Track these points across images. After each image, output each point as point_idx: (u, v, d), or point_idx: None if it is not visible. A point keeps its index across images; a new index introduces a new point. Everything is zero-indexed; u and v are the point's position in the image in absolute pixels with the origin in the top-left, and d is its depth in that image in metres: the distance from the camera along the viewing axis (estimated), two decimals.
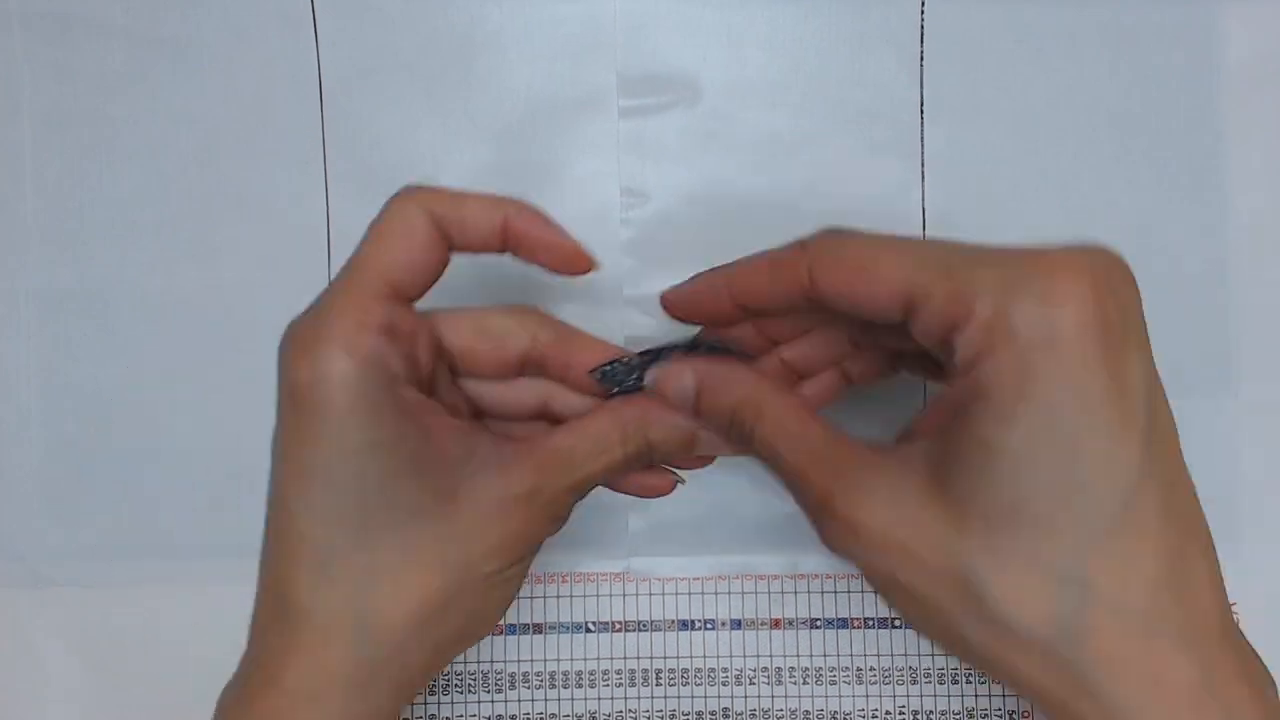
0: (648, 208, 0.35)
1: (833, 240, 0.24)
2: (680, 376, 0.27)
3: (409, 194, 0.25)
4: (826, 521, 0.24)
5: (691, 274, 0.27)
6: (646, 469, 0.29)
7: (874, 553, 0.23)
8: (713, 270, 0.27)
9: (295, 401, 0.23)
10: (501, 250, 0.26)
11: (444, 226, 0.25)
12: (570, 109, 0.35)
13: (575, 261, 0.26)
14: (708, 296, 0.27)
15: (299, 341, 0.24)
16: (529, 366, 0.28)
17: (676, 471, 0.29)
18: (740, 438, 0.26)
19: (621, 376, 0.28)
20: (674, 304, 0.28)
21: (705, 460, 0.29)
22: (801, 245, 0.25)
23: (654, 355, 0.28)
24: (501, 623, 0.35)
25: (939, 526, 0.22)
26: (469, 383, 0.28)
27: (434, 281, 0.26)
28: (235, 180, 0.35)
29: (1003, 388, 0.21)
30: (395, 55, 0.35)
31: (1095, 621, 0.21)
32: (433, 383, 0.27)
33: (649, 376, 0.28)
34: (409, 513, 0.24)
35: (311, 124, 0.35)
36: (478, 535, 0.25)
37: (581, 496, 0.27)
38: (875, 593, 0.23)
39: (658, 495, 0.29)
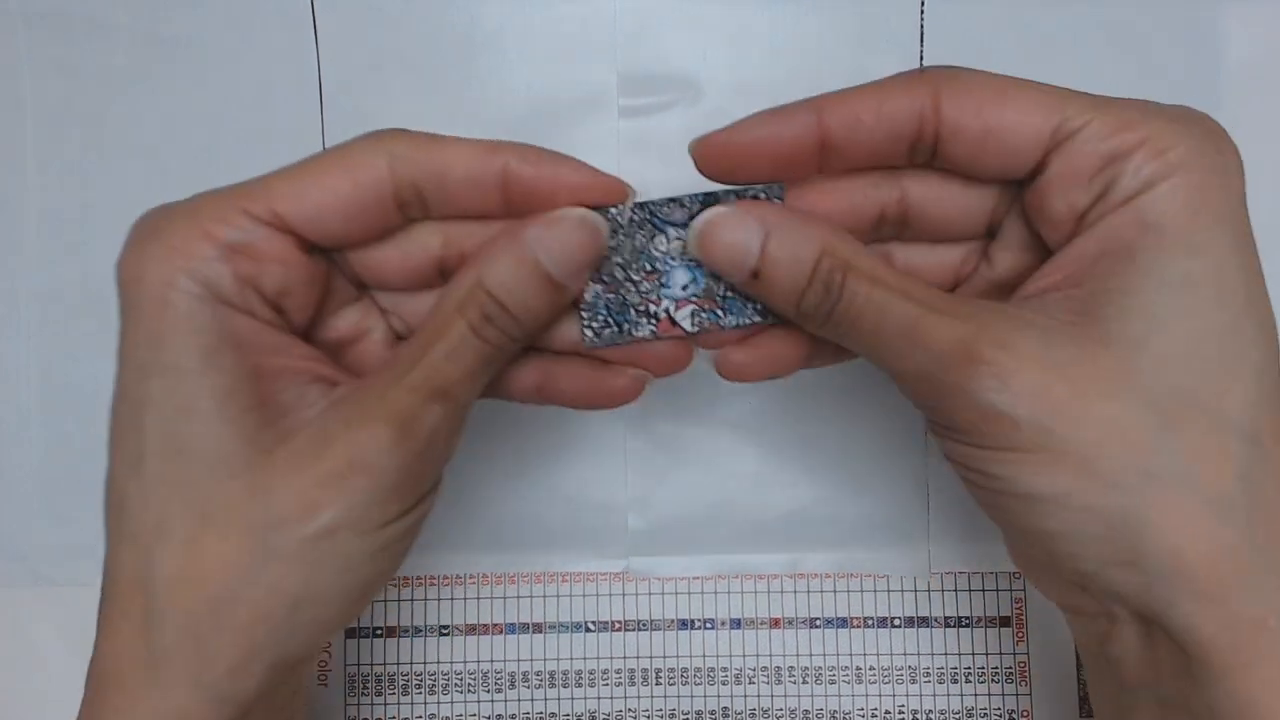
0: None
1: (958, 70, 0.22)
2: (737, 223, 0.22)
3: (380, 137, 0.22)
4: (968, 374, 0.20)
5: None
6: (580, 366, 0.25)
7: (1029, 405, 0.20)
8: (783, 107, 0.22)
9: (119, 296, 0.21)
10: (504, 214, 0.23)
11: (412, 185, 0.22)
12: (571, 108, 0.35)
13: (615, 193, 0.23)
14: (785, 137, 0.22)
15: (139, 231, 0.21)
16: (447, 273, 0.24)
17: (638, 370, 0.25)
18: (818, 306, 0.22)
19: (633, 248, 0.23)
20: (722, 152, 0.23)
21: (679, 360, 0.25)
22: (919, 72, 0.22)
23: (657, 211, 0.23)
24: (501, 622, 0.35)
25: (1106, 372, 0.20)
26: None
27: (367, 240, 0.23)
28: (237, 179, 0.35)
29: (1179, 216, 0.20)
30: (396, 55, 0.35)
31: (1269, 484, 0.20)
32: (309, 313, 0.24)
33: (692, 228, 0.22)
34: (206, 463, 0.20)
35: (312, 124, 0.35)
36: (291, 490, 0.20)
37: (454, 415, 0.22)
38: (1003, 463, 0.20)
39: (620, 401, 0.25)
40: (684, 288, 0.24)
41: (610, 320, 0.23)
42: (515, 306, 0.22)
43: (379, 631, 0.35)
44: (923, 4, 0.35)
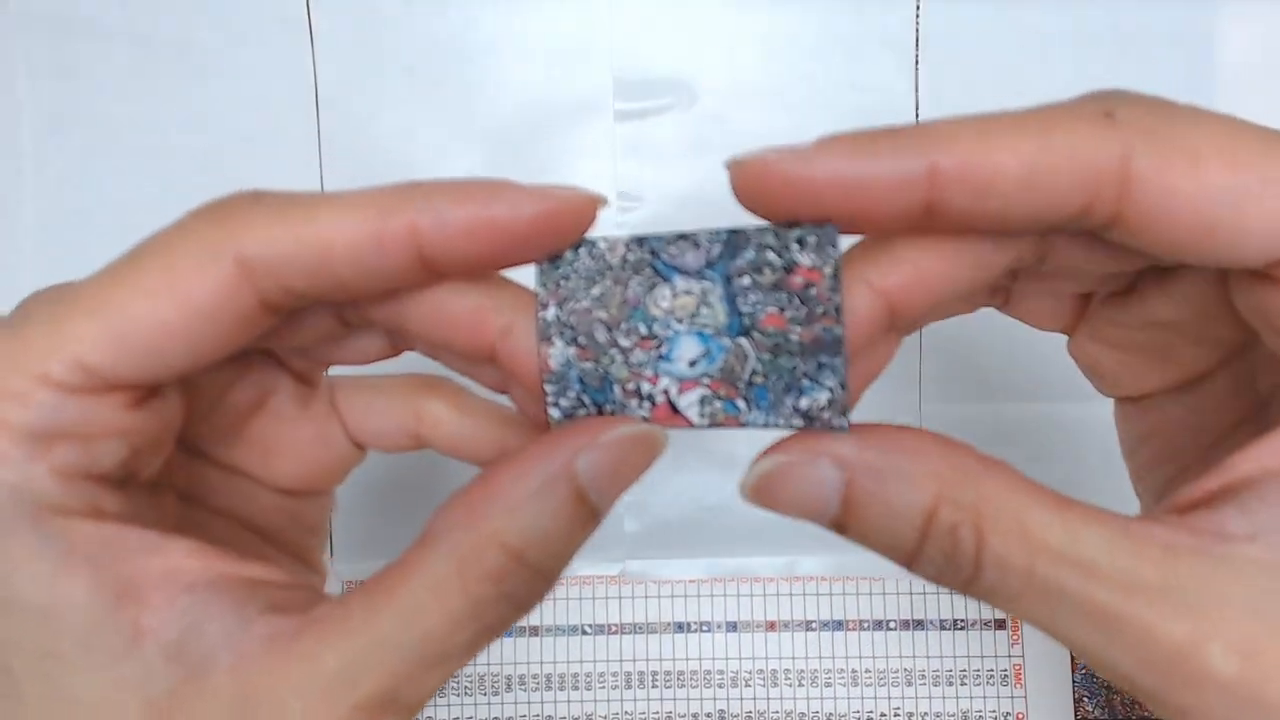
0: (643, 211, 0.35)
1: (1164, 108, 0.15)
2: (804, 475, 0.16)
3: (222, 220, 0.16)
4: (1199, 694, 0.14)
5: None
6: None
7: None
8: (877, 135, 0.15)
9: None
10: (432, 282, 0.17)
11: (280, 287, 0.16)
12: (566, 112, 0.35)
13: (583, 215, 0.17)
14: (875, 185, 0.15)
15: None
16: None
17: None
18: (941, 574, 0.16)
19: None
20: (780, 186, 0.15)
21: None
22: (1096, 103, 0.15)
23: (661, 252, 0.17)
24: None
25: None
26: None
27: (218, 360, 0.17)
28: (233, 182, 0.35)
29: None
30: (391, 59, 0.35)
31: None
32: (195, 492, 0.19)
33: (744, 481, 0.17)
34: (96, 715, 0.16)
35: (308, 127, 0.35)
36: None
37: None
38: None
39: None
40: (692, 363, 0.17)
41: (585, 399, 0.17)
42: (551, 563, 0.17)
43: None
44: (918, 7, 0.35)
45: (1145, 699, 0.15)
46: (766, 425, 0.17)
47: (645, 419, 0.17)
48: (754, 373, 0.17)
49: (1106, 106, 0.15)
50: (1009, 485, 0.15)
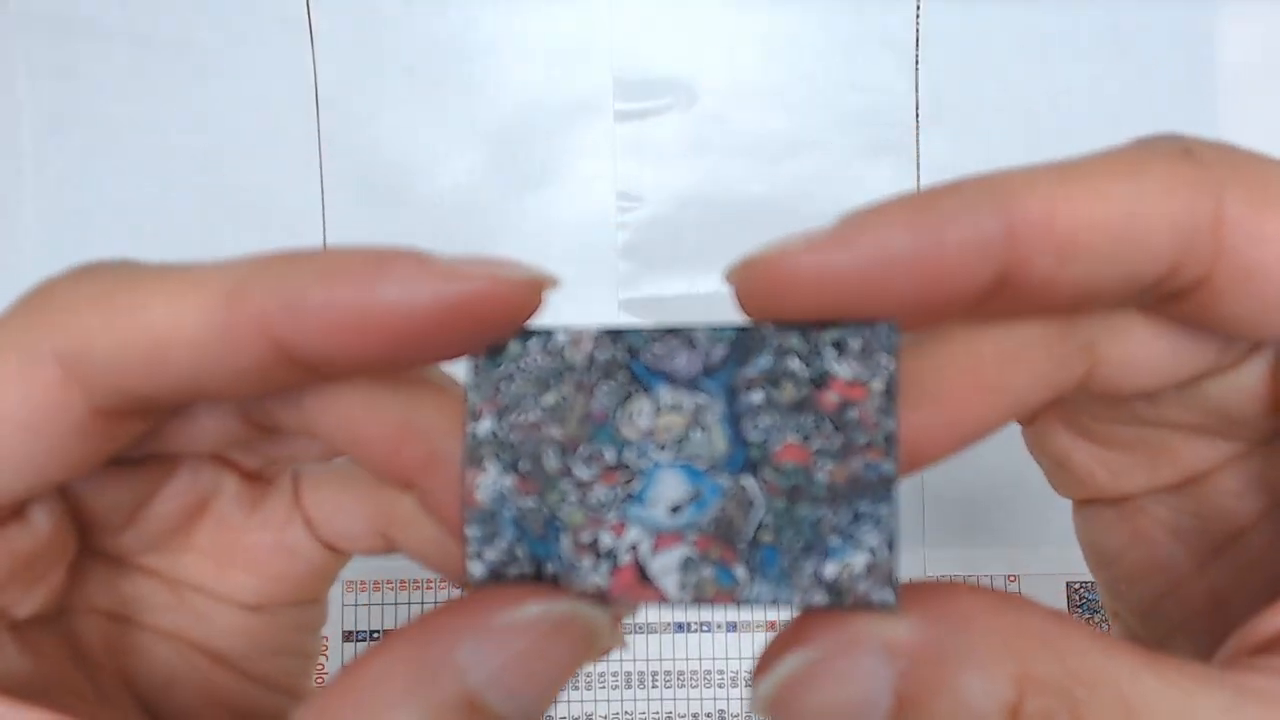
0: (643, 211, 0.35)
1: (1256, 162, 0.12)
2: (845, 674, 0.12)
3: (44, 310, 0.13)
4: None
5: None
6: None
7: None
8: (935, 196, 0.12)
9: None
10: (304, 382, 0.13)
11: (116, 392, 0.13)
12: (566, 113, 0.35)
13: (518, 306, 0.12)
14: (944, 262, 0.12)
15: None
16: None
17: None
18: None
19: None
20: (811, 288, 0.12)
21: None
22: (1185, 150, 0.12)
23: (641, 351, 0.13)
24: None
25: None
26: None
27: (67, 479, 0.14)
28: (233, 182, 0.35)
29: None
30: (391, 59, 0.35)
31: None
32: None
33: (758, 690, 0.12)
34: None
35: (308, 127, 0.35)
36: None
37: None
38: None
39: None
40: (674, 509, 0.13)
41: (519, 550, 0.13)
42: None
43: (376, 635, 0.35)
44: (918, 6, 0.35)
45: None
46: (776, 601, 0.12)
47: (600, 588, 0.12)
48: (761, 526, 0.12)
49: (1185, 147, 0.12)
50: (1101, 650, 0.12)
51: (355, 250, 0.12)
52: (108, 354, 0.12)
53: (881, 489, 0.12)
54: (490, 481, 0.13)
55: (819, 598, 0.12)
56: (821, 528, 0.12)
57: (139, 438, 0.14)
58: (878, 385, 0.12)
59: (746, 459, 0.12)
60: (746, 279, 0.12)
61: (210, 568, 0.17)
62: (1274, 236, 0.12)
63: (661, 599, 0.12)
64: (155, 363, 0.12)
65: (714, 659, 0.35)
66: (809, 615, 0.12)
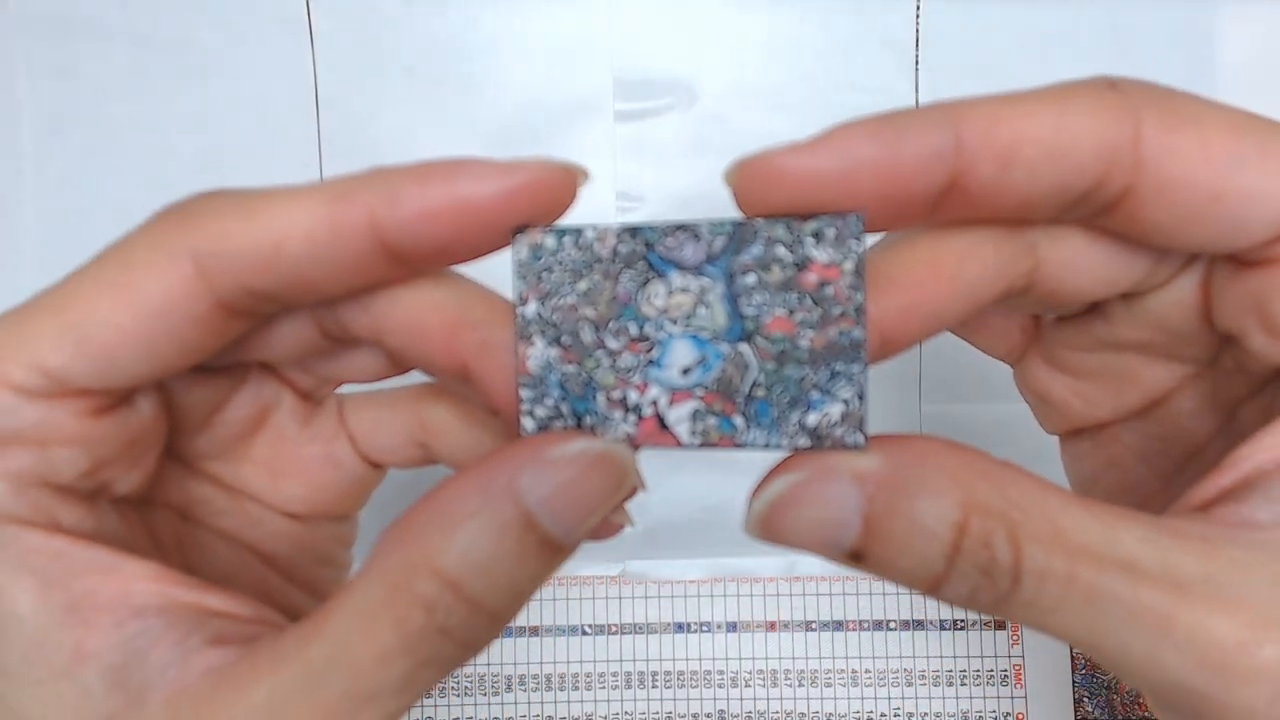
0: (643, 211, 0.35)
1: (1169, 93, 0.15)
2: (819, 496, 0.14)
3: (179, 220, 0.15)
4: (1267, 692, 0.13)
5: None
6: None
7: None
8: (895, 117, 0.14)
9: None
10: (402, 276, 0.16)
11: (239, 287, 0.15)
12: (566, 113, 0.35)
13: (562, 190, 0.15)
14: (901, 166, 0.14)
15: None
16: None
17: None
18: (973, 596, 0.14)
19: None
20: (793, 182, 0.14)
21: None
22: (1107, 83, 0.15)
23: (656, 244, 0.15)
24: None
25: None
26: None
27: (182, 367, 0.16)
28: (233, 183, 0.35)
29: None
30: (391, 59, 0.35)
31: None
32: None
33: (751, 511, 0.15)
34: None
35: (308, 127, 0.35)
36: None
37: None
38: None
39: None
40: (685, 371, 0.15)
41: (563, 407, 0.16)
42: (494, 597, 0.15)
43: None
44: (918, 6, 0.35)
45: (1194, 703, 0.14)
46: (768, 446, 0.15)
47: (630, 435, 0.15)
48: (755, 385, 0.15)
49: (1110, 82, 0.15)
50: (1036, 486, 0.14)
51: (437, 160, 0.15)
52: (236, 253, 0.15)
53: (853, 351, 0.15)
54: (538, 353, 0.16)
55: (803, 441, 0.15)
56: (804, 385, 0.15)
57: (236, 340, 0.17)
58: (849, 266, 0.14)
59: (743, 330, 0.15)
60: (741, 177, 0.14)
61: (266, 477, 0.20)
62: (1185, 153, 0.14)
63: (677, 443, 0.15)
64: (274, 260, 0.15)
65: (714, 659, 0.35)
66: (795, 455, 0.15)
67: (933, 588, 0.14)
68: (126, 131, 0.35)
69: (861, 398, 0.15)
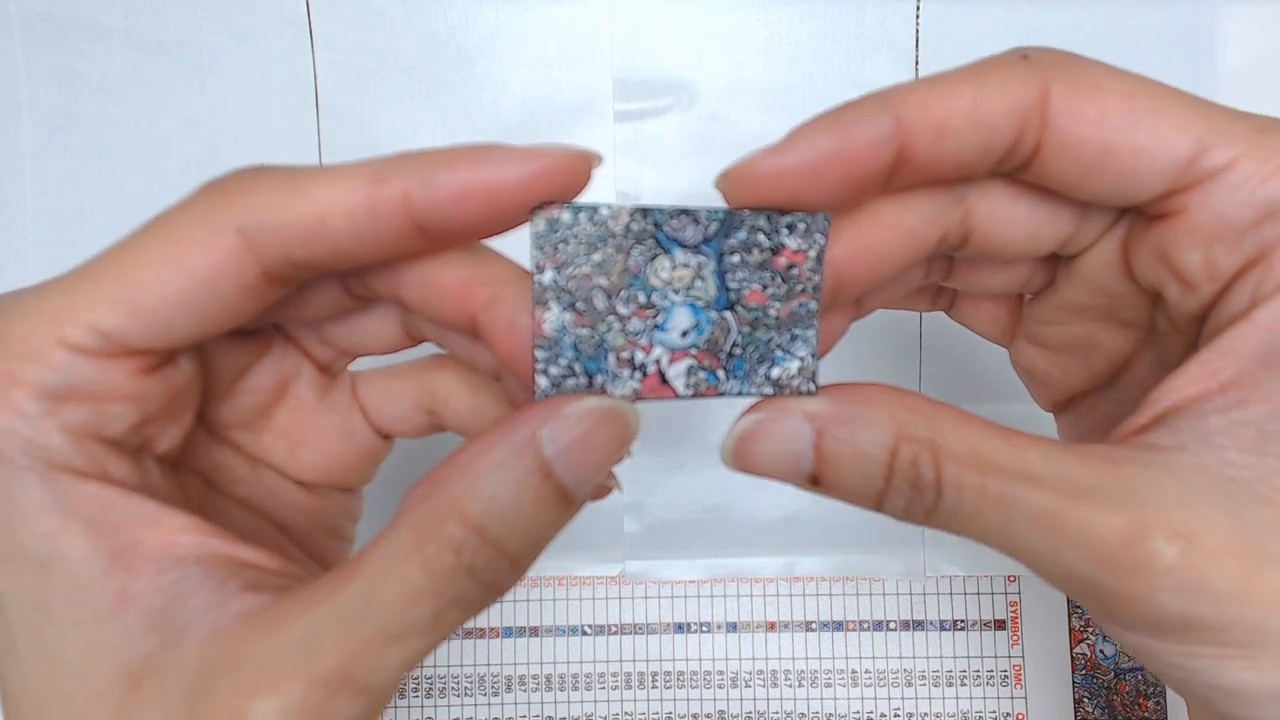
0: None
1: (1074, 59, 0.17)
2: (778, 431, 0.17)
3: (224, 193, 0.17)
4: (1146, 582, 0.16)
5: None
6: None
7: (1233, 608, 0.16)
8: (843, 110, 0.17)
9: None
10: (432, 249, 0.18)
11: (281, 257, 0.17)
12: (566, 113, 0.35)
13: (577, 174, 0.17)
14: (855, 151, 0.17)
15: None
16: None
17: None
18: (909, 508, 0.17)
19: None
20: (771, 183, 0.17)
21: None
22: (1019, 57, 0.17)
23: (664, 224, 0.18)
24: (498, 625, 0.35)
25: None
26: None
27: (227, 327, 0.18)
28: None
29: None
30: (391, 60, 0.35)
31: None
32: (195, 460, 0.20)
33: (725, 444, 0.18)
34: (74, 672, 0.16)
35: (308, 127, 0.35)
36: None
37: (374, 706, 0.17)
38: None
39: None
40: (684, 334, 0.18)
41: (576, 367, 0.18)
42: (515, 541, 0.17)
43: None
44: (918, 6, 0.35)
45: (1093, 596, 0.16)
46: (741, 393, 0.18)
47: (635, 390, 0.18)
48: (734, 344, 0.18)
49: (1023, 53, 0.17)
50: (959, 419, 0.17)
51: (466, 145, 0.17)
52: (280, 225, 0.16)
53: (809, 320, 0.18)
54: (554, 317, 0.17)
55: (768, 390, 0.18)
56: (771, 345, 0.18)
57: (275, 305, 0.18)
58: (813, 253, 0.18)
59: (728, 300, 0.18)
60: (727, 183, 0.17)
61: (284, 446, 0.21)
62: (1083, 114, 0.16)
63: (674, 394, 0.18)
64: (316, 232, 0.16)
65: (714, 659, 0.35)
66: (761, 401, 0.18)
67: (877, 503, 0.17)
68: (126, 131, 0.35)
69: (814, 356, 0.18)
